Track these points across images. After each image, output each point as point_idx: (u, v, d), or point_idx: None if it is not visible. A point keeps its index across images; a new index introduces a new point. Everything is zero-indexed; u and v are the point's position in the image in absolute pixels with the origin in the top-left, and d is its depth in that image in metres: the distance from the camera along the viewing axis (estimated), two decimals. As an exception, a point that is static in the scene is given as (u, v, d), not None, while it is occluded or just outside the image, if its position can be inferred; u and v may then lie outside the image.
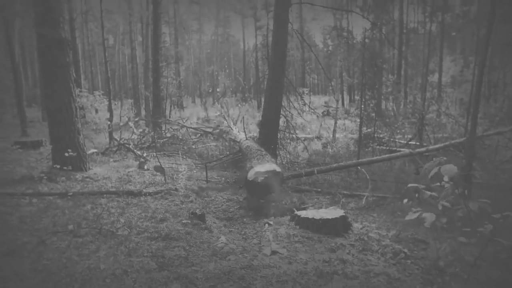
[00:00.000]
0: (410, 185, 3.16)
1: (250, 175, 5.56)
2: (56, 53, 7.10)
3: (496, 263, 3.52)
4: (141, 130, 12.11)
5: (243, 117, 10.94)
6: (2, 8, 13.22)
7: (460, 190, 2.96)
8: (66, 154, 7.02)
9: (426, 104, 12.31)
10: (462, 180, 2.99)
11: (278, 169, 5.67)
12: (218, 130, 11.73)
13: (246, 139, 9.10)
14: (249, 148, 7.53)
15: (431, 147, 8.59)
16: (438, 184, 3.04)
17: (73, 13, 19.84)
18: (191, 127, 12.89)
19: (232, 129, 11.34)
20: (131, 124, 11.55)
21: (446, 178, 2.83)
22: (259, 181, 5.40)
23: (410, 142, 10.92)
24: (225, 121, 12.11)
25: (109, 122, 11.25)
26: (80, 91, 15.80)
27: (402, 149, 9.64)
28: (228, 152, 10.10)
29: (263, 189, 5.46)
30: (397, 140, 11.34)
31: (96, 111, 18.59)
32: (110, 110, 11.95)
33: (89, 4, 33.40)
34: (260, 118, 9.48)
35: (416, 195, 3.10)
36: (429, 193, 2.94)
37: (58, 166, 6.98)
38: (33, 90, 31.48)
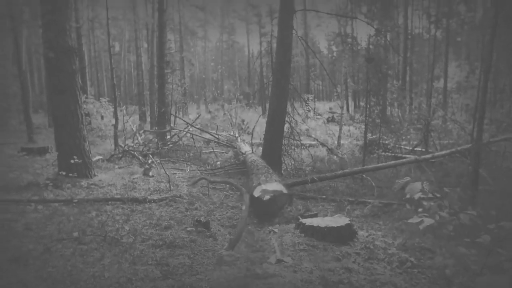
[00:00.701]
0: (407, 197, 3.16)
1: (257, 191, 5.60)
2: (62, 60, 7.18)
3: (500, 273, 3.46)
4: (144, 136, 12.15)
5: (247, 125, 10.95)
6: (12, 18, 13.46)
7: (446, 202, 2.98)
8: (72, 161, 7.06)
9: (432, 110, 12.25)
10: (452, 194, 3.01)
11: (285, 190, 5.70)
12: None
13: (252, 152, 9.16)
14: (255, 163, 7.54)
15: (437, 153, 8.52)
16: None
17: (79, 21, 20.09)
18: (196, 129, 12.90)
19: (236, 137, 11.36)
20: (138, 136, 11.64)
21: (416, 196, 2.89)
22: (264, 199, 5.43)
23: (416, 149, 10.85)
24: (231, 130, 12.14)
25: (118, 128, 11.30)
26: (86, 98, 15.95)
27: (407, 156, 9.58)
28: (233, 160, 10.12)
29: (267, 207, 5.49)
30: (402, 147, 11.28)
31: (102, 117, 18.73)
32: (115, 116, 12.03)
33: (96, 11, 33.83)
34: (265, 125, 9.48)
35: (420, 209, 3.10)
36: (427, 204, 2.95)
37: (64, 173, 7.02)
38: (39, 96, 31.82)
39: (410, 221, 2.96)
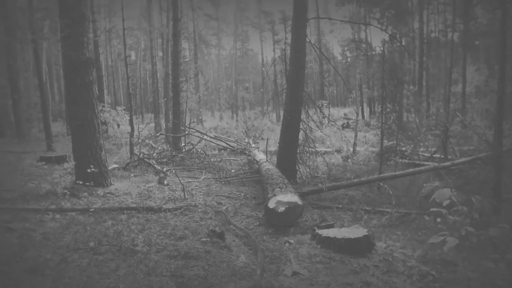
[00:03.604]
0: (432, 209, 3.03)
1: (271, 203, 5.55)
2: (80, 72, 7.31)
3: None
4: (159, 145, 12.26)
5: (261, 133, 10.90)
6: (33, 31, 13.93)
7: (476, 215, 2.81)
8: (89, 170, 7.15)
9: (450, 116, 11.96)
10: (479, 204, 2.84)
11: (300, 202, 5.64)
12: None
13: (267, 160, 9.10)
14: (270, 172, 7.48)
15: (456, 161, 8.29)
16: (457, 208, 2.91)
17: (97, 32, 20.57)
18: (211, 137, 12.96)
19: (251, 145, 11.33)
20: (151, 142, 11.76)
21: (444, 203, 2.74)
22: (279, 211, 5.38)
23: (434, 155, 10.59)
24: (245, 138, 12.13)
25: (134, 137, 11.43)
26: (103, 106, 16.24)
27: (426, 163, 9.35)
28: (247, 168, 10.08)
29: (282, 219, 5.44)
30: (420, 154, 11.03)
31: (118, 125, 19.01)
32: (131, 124, 12.18)
33: (112, 22, 34.69)
34: (279, 132, 9.44)
35: (439, 220, 2.97)
36: (452, 218, 2.82)
37: (81, 182, 7.11)
38: (58, 105, 32.69)
39: (431, 241, 2.82)
